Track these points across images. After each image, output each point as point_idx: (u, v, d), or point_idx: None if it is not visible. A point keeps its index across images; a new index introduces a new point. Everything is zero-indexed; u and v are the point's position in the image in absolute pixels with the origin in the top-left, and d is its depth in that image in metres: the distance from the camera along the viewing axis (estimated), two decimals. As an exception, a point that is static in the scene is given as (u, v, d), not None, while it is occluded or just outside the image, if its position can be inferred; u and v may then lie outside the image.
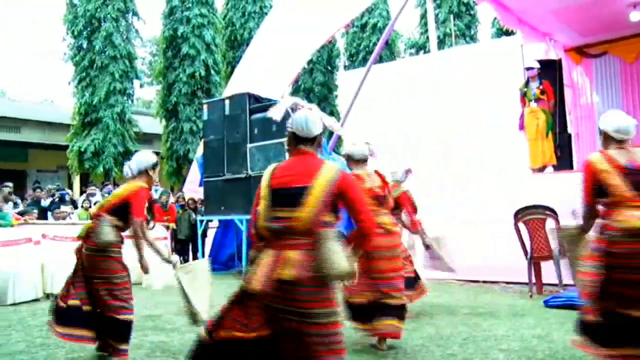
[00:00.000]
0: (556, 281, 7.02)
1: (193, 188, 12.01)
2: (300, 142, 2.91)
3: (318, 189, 2.66)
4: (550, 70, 10.08)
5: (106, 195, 15.84)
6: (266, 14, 23.10)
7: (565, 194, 7.54)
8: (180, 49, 20.62)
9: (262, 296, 2.53)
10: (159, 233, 9.11)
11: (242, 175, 9.74)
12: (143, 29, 46.44)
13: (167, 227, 10.52)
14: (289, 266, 2.55)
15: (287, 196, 2.69)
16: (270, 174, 2.82)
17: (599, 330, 3.19)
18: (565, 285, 6.95)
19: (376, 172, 4.80)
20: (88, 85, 19.94)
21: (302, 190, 2.67)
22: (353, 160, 4.85)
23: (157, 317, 6.03)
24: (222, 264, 10.92)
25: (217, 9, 22.21)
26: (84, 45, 20.35)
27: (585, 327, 3.27)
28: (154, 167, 4.44)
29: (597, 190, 3.43)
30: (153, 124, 23.14)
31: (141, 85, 32.21)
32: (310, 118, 2.94)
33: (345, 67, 25.06)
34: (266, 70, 11.37)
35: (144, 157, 4.46)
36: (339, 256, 2.55)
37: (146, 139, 22.79)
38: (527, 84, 9.34)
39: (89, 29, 20.19)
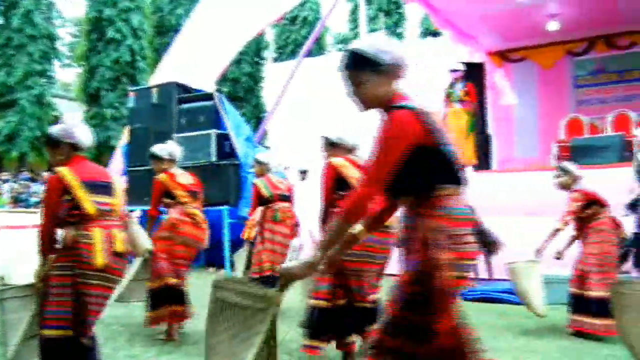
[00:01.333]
0: (472, 275, 7.34)
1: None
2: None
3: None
4: (473, 73, 10.48)
5: (22, 182, 15.16)
6: (196, 1, 22.75)
7: (484, 193, 7.95)
8: (105, 33, 19.97)
9: None
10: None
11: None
12: (65, 9, 44.49)
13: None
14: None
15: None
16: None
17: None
18: (481, 279, 7.27)
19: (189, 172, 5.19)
20: (4, 65, 18.96)
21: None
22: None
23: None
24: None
25: (145, -7, 21.67)
26: (0, 22, 19.34)
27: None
28: None
29: None
30: (72, 108, 22.32)
31: (61, 67, 30.93)
32: None
33: (274, 60, 25.06)
34: (196, 60, 11.20)
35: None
36: None
37: (65, 123, 21.94)
38: (451, 85, 9.68)
39: (6, 3, 19.16)
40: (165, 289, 4.72)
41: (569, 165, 5.06)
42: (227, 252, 8.91)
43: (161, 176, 4.92)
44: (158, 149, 5.10)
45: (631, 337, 3.11)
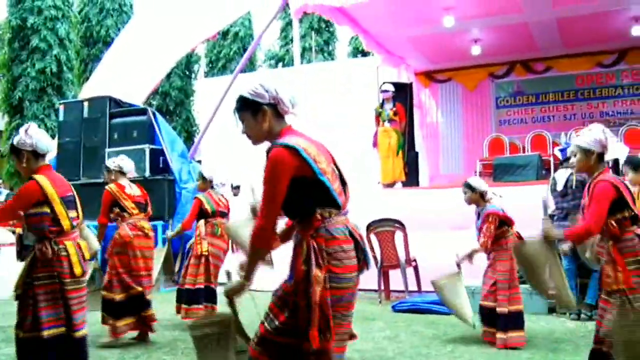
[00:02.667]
0: (403, 288, 7.62)
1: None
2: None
3: None
4: (402, 93, 10.93)
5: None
6: (125, 12, 22.31)
7: (412, 209, 8.32)
8: (30, 41, 19.24)
9: None
10: (4, 239, 8.57)
11: (100, 180, 9.43)
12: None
13: (13, 232, 9.90)
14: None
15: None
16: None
17: None
18: (411, 291, 7.60)
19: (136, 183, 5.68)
20: None
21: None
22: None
23: (7, 328, 5.74)
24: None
25: (73, 2, 21.07)
26: None
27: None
28: None
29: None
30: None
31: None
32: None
33: (205, 74, 24.94)
34: (128, 74, 11.11)
35: None
36: None
37: (-15, 134, 21.04)
38: (382, 105, 10.07)
39: None
40: (131, 298, 5.17)
41: (474, 182, 5.25)
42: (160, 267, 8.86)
43: (110, 186, 5.37)
44: (109, 161, 5.61)
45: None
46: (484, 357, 4.56)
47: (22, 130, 3.57)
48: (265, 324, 2.39)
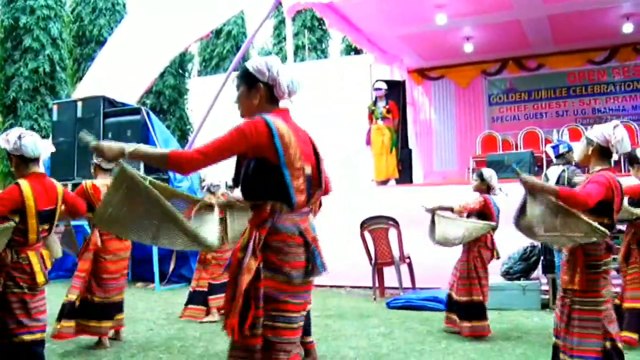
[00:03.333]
0: (397, 285, 7.68)
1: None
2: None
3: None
4: (395, 90, 10.96)
5: None
6: (118, 11, 22.21)
7: (406, 206, 8.36)
8: (22, 41, 19.18)
9: None
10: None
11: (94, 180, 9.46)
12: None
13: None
14: None
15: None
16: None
17: None
18: (405, 288, 7.66)
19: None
20: None
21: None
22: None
23: None
24: (67, 270, 10.47)
25: (65, 2, 21.00)
26: None
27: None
28: None
29: None
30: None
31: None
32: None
33: (199, 73, 24.90)
34: (122, 74, 11.11)
35: None
36: None
37: (-22, 135, 20.93)
38: (374, 102, 10.10)
39: None
40: (85, 303, 4.97)
41: (486, 173, 5.49)
42: (155, 267, 8.90)
43: (85, 182, 5.06)
44: (95, 155, 5.20)
45: None
46: (477, 353, 4.61)
47: (3, 134, 3.55)
48: None
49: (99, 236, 5.03)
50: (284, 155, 2.28)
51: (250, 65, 2.47)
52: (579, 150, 3.52)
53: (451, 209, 5.27)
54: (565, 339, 3.30)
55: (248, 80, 2.46)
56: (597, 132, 3.39)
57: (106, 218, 2.42)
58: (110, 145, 2.31)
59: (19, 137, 3.51)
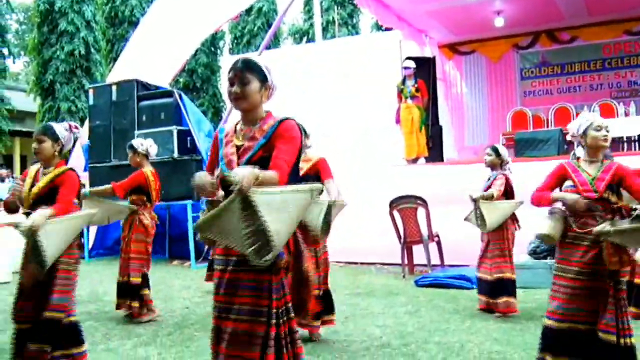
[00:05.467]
0: (425, 262, 7.80)
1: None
2: None
3: None
4: (425, 68, 10.91)
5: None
6: (150, -8, 22.52)
7: (435, 184, 8.43)
8: (58, 25, 19.62)
9: None
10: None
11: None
12: (11, -3, 42.95)
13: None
14: None
15: None
16: None
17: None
18: (434, 265, 7.78)
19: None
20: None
21: None
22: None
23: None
24: (107, 248, 10.87)
25: (97, -16, 21.34)
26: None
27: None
28: None
29: None
30: (24, 101, 21.91)
31: (14, 62, 30.13)
32: None
33: (230, 50, 25.05)
34: (154, 57, 11.32)
35: None
36: None
37: (18, 117, 21.58)
38: (403, 81, 10.09)
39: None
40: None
41: (501, 149, 5.62)
42: (191, 245, 9.18)
43: (147, 170, 5.47)
44: (137, 141, 5.66)
45: None
46: (499, 332, 4.72)
47: (68, 124, 3.80)
48: None
49: (150, 219, 5.48)
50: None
51: (262, 62, 2.54)
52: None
53: (492, 196, 5.32)
54: (611, 319, 3.22)
55: (262, 77, 2.51)
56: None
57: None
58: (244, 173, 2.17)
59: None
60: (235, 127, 2.59)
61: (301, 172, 3.78)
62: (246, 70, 2.47)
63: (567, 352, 3.31)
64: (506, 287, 5.28)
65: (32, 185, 3.66)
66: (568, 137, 3.73)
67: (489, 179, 5.57)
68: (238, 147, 2.51)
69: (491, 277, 5.34)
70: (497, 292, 5.30)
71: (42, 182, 3.61)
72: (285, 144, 2.41)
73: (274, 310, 2.37)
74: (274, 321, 2.36)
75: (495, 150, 5.57)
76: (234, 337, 2.40)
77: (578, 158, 3.54)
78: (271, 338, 2.35)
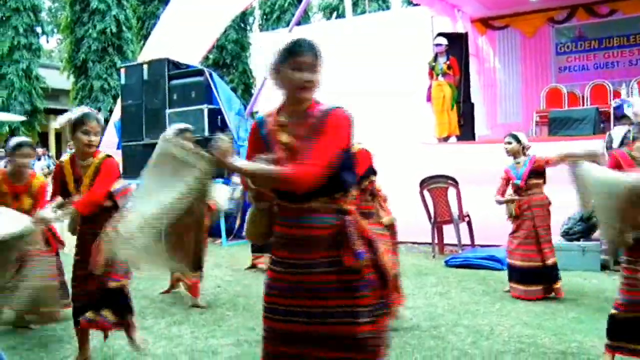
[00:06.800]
0: (456, 242, 7.75)
1: (109, 152, 11.94)
2: None
3: None
4: (457, 44, 10.72)
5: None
6: (179, -32, 22.49)
7: (467, 163, 8.33)
8: (89, 3, 19.81)
9: None
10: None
11: (162, 141, 9.85)
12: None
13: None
14: None
15: None
16: None
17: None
18: (464, 245, 7.72)
19: None
20: (-12, 39, 18.91)
21: None
22: None
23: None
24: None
25: (127, -39, 21.41)
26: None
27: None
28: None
29: None
30: (58, 79, 22.25)
31: (47, 41, 30.60)
32: None
33: (260, 26, 24.99)
34: (184, 35, 11.34)
35: None
36: None
37: (53, 94, 21.93)
38: (435, 59, 9.96)
39: (-14, -24, 19.04)
40: None
41: (521, 136, 5.54)
42: (222, 222, 9.27)
43: None
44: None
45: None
46: (529, 316, 4.68)
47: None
48: None
49: None
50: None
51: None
52: None
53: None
54: None
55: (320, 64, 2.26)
56: None
57: None
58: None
59: None
60: (277, 119, 2.31)
61: None
62: (317, 57, 2.23)
63: None
64: (557, 270, 5.28)
65: (76, 182, 3.56)
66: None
67: (517, 163, 5.43)
68: (285, 145, 2.25)
69: (550, 262, 5.25)
70: (556, 276, 5.25)
71: (88, 177, 3.54)
72: (324, 136, 2.15)
73: (369, 308, 2.22)
74: (369, 319, 2.21)
75: (516, 138, 5.47)
76: (332, 340, 2.20)
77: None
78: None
